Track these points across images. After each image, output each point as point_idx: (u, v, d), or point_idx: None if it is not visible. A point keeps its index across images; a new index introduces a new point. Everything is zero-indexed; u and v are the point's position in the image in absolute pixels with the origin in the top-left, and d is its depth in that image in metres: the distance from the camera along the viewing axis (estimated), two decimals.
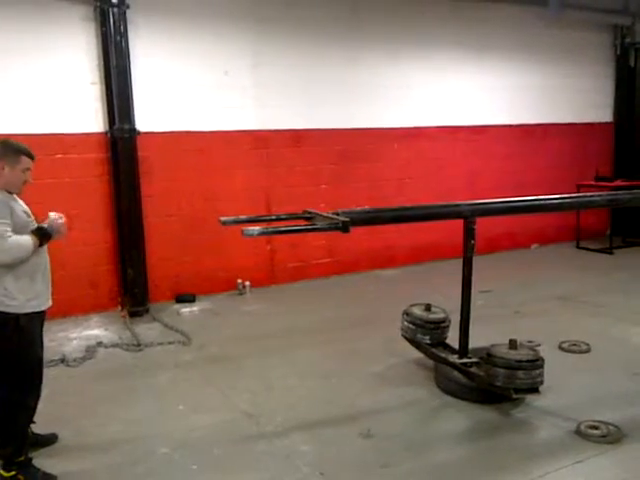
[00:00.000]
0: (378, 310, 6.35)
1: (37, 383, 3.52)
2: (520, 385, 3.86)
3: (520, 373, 3.84)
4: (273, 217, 4.91)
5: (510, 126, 9.24)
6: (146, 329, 6.14)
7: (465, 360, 4.30)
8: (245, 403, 4.37)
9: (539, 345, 4.87)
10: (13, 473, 3.40)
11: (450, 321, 4.66)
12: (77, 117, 6.42)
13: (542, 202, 4.56)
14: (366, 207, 4.45)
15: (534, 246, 9.65)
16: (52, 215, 3.49)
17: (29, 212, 3.54)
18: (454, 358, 4.37)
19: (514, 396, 3.95)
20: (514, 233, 9.34)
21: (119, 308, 6.72)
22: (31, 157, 3.46)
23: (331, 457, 3.68)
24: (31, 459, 3.53)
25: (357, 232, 8.17)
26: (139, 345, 5.64)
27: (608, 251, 9.14)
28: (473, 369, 4.22)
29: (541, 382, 3.92)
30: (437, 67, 8.52)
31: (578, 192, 9.13)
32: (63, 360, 5.26)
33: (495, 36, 8.87)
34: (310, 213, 4.10)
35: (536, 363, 3.89)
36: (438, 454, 3.70)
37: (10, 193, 3.40)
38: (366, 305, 6.73)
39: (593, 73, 9.98)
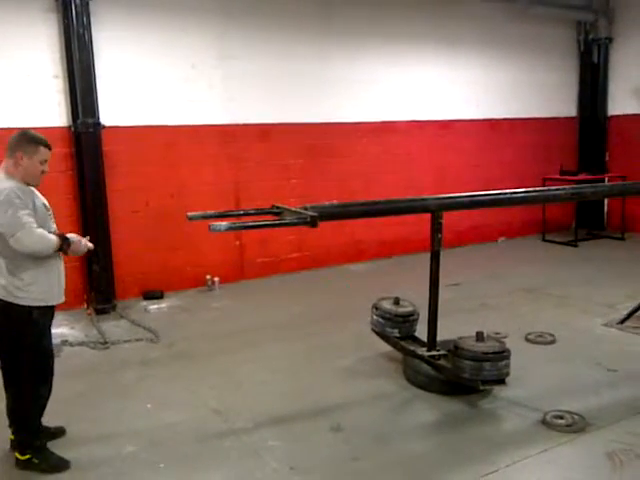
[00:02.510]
0: (348, 304, 6.37)
1: (49, 373, 3.59)
2: (487, 377, 3.91)
3: (486, 365, 3.88)
4: (241, 212, 4.88)
5: (477, 120, 9.34)
6: (113, 327, 6.05)
7: (433, 353, 4.34)
8: (213, 400, 4.33)
9: (506, 337, 4.94)
10: (28, 456, 3.51)
11: (418, 314, 4.70)
12: (39, 111, 6.28)
13: (507, 196, 4.62)
14: (334, 202, 4.45)
15: (501, 239, 9.78)
16: (82, 238, 3.52)
17: (48, 205, 3.55)
18: (422, 351, 4.40)
19: (481, 387, 4.01)
20: (481, 226, 9.45)
21: (85, 306, 6.60)
22: (49, 148, 3.46)
23: (301, 452, 3.67)
24: (45, 443, 3.62)
25: (326, 227, 8.13)
26: (106, 343, 5.55)
27: (573, 244, 9.31)
28: (441, 361, 4.26)
29: (507, 373, 3.97)
30: (406, 62, 8.55)
31: (544, 185, 9.30)
32: None
33: (463, 31, 8.94)
34: (279, 208, 4.08)
35: (502, 355, 3.94)
36: (408, 446, 3.72)
37: (28, 185, 3.40)
38: (336, 299, 6.74)
39: (558, 68, 10.14)
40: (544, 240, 9.67)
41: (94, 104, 6.32)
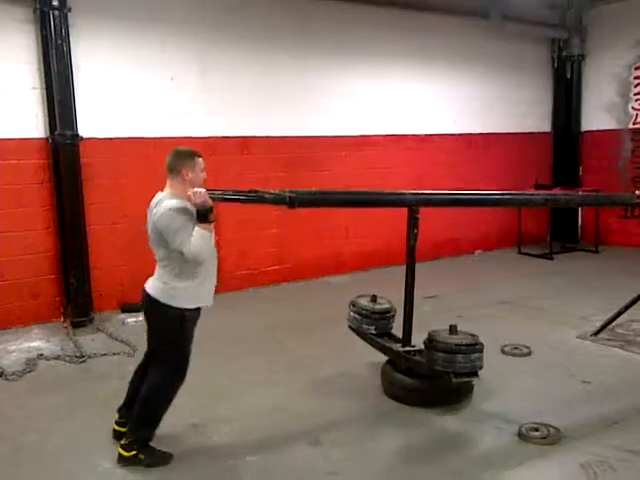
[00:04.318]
0: (327, 316, 6.37)
1: (184, 376, 3.71)
2: (459, 369, 3.90)
3: (459, 357, 3.88)
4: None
5: (454, 135, 9.47)
6: (90, 340, 5.99)
7: (408, 348, 4.35)
8: (191, 414, 4.30)
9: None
10: (134, 452, 3.62)
11: (395, 311, 4.72)
12: (16, 122, 6.24)
13: (483, 197, 4.72)
14: (314, 188, 4.46)
15: (477, 252, 9.89)
16: (189, 193, 3.42)
17: None
18: (397, 347, 4.41)
19: (454, 380, 3.96)
20: (458, 239, 9.56)
21: (61, 319, 6.53)
22: (201, 156, 3.70)
23: (278, 466, 3.66)
24: (150, 439, 3.71)
25: (306, 239, 8.25)
26: (82, 357, 5.49)
27: (548, 256, 9.45)
28: (416, 357, 4.27)
29: (480, 366, 3.96)
30: (384, 77, 8.65)
31: None
32: (1, 374, 5.08)
33: (439, 47, 9.08)
34: (257, 191, 4.02)
35: (475, 347, 3.93)
36: (385, 460, 3.73)
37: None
38: (315, 311, 6.75)
39: (532, 84, 10.35)
40: (520, 253, 9.80)
41: (72, 116, 6.29)
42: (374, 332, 4.65)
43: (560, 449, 3.75)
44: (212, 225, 3.47)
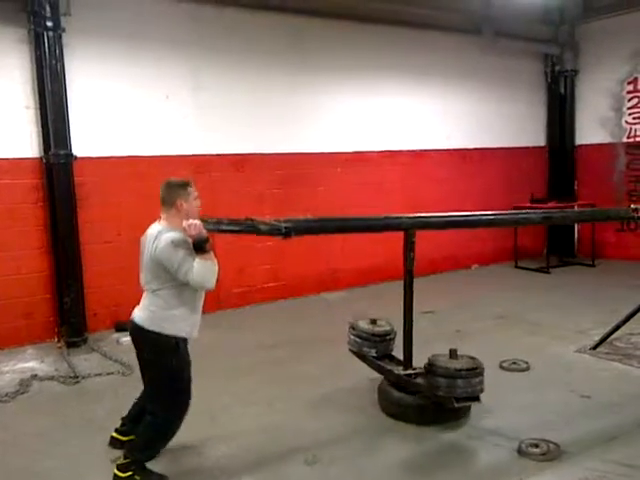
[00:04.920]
0: (324, 333, 6.34)
1: (188, 402, 3.69)
2: (460, 394, 3.88)
3: (460, 382, 3.85)
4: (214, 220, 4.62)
5: (448, 150, 9.49)
6: (84, 360, 5.93)
7: (409, 371, 4.31)
8: (187, 434, 4.22)
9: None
10: (130, 474, 3.57)
11: (395, 333, 4.69)
12: (10, 141, 6.23)
13: (478, 218, 4.72)
14: (309, 216, 4.44)
15: (474, 267, 9.87)
16: (184, 226, 3.43)
17: None
18: (399, 370, 4.38)
19: (455, 405, 3.94)
20: (455, 254, 9.54)
21: (55, 339, 6.47)
22: (192, 184, 3.71)
23: None
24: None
25: (302, 256, 8.22)
26: (76, 377, 5.43)
27: (545, 270, 9.44)
28: (417, 380, 4.23)
29: (481, 390, 3.93)
30: (378, 93, 8.69)
31: None
32: None
33: (433, 63, 9.13)
34: (252, 220, 4.02)
35: (475, 371, 3.91)
36: (383, 477, 3.68)
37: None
38: (312, 328, 6.71)
39: (526, 99, 10.40)
40: (516, 267, 9.79)
41: (66, 135, 6.28)
42: (375, 355, 4.63)
43: (560, 465, 3.71)
44: (211, 254, 3.47)
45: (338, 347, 5.09)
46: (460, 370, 3.88)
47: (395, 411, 4.41)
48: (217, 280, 3.59)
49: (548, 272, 9.39)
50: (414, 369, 4.32)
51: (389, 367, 4.49)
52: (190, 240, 3.44)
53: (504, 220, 5.37)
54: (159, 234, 3.52)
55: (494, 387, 4.60)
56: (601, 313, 6.68)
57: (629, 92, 9.84)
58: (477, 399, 3.95)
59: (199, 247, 3.43)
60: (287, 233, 3.82)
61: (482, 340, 6.10)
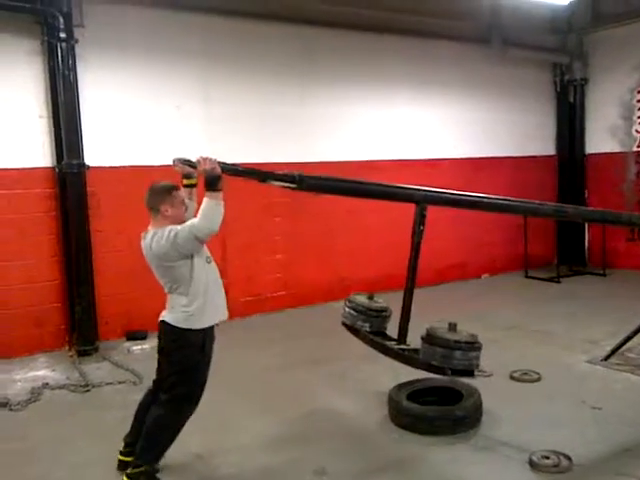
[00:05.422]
0: (332, 344, 6.31)
1: (198, 400, 3.72)
2: (456, 365, 3.75)
3: (457, 353, 3.74)
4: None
5: (458, 159, 9.49)
6: (95, 369, 5.96)
7: (403, 346, 4.25)
8: (196, 444, 4.25)
9: (491, 375, 4.90)
10: None
11: (391, 312, 4.53)
12: (23, 151, 6.30)
13: (489, 200, 4.75)
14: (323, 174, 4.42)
15: (484, 276, 9.84)
16: (198, 158, 3.40)
17: None
18: (392, 344, 4.32)
19: (449, 375, 3.84)
20: (464, 263, 9.52)
21: (67, 347, 6.51)
22: (178, 188, 3.70)
23: None
24: (157, 470, 3.68)
25: (311, 264, 8.23)
26: (87, 386, 5.46)
27: (555, 280, 9.39)
28: (409, 353, 4.14)
29: (477, 365, 3.82)
30: (389, 103, 8.72)
31: (525, 222, 9.45)
32: (6, 404, 5.05)
33: (443, 73, 9.16)
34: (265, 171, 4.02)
35: (474, 345, 3.81)
36: None
37: None
38: (321, 338, 6.68)
39: (536, 108, 10.39)
40: (527, 277, 9.75)
41: (79, 145, 6.34)
42: (368, 329, 4.56)
43: (572, 477, 3.68)
44: (220, 194, 3.42)
45: (347, 358, 5.09)
46: (459, 342, 3.77)
47: (405, 422, 4.39)
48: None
49: (559, 282, 9.35)
50: (408, 345, 4.25)
51: (382, 342, 4.41)
52: None
53: (516, 207, 5.33)
54: (154, 235, 3.55)
55: (505, 398, 4.60)
56: (612, 323, 6.64)
57: (639, 101, 9.81)
58: (471, 373, 3.83)
59: (211, 183, 3.36)
60: (300, 182, 3.77)
61: (493, 350, 6.00)
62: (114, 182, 6.72)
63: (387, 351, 4.30)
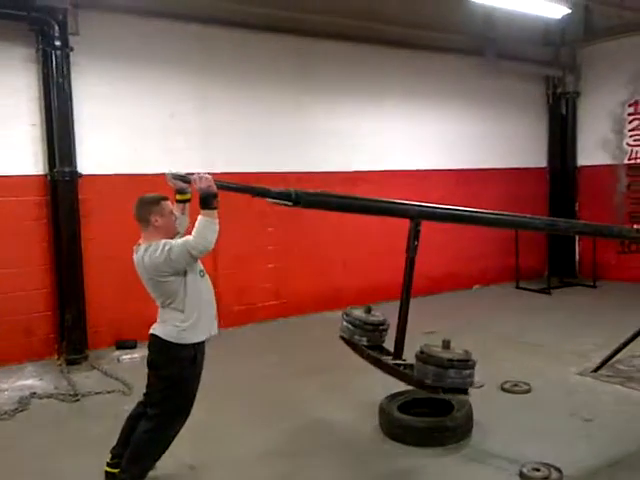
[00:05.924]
0: (323, 354, 6.31)
1: (187, 416, 3.70)
2: (450, 384, 3.75)
3: (451, 372, 3.73)
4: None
5: (450, 171, 9.52)
6: (84, 378, 5.91)
7: (398, 361, 4.25)
8: (187, 455, 4.22)
9: (481, 386, 4.90)
10: None
11: (389, 325, 4.54)
12: (15, 159, 6.28)
13: (482, 215, 4.76)
14: (318, 190, 4.43)
15: (475, 287, 9.86)
16: (194, 177, 3.39)
17: None
18: (388, 359, 4.32)
19: (442, 395, 3.85)
20: (456, 274, 9.54)
21: (56, 356, 6.45)
22: (167, 198, 3.68)
23: None
24: None
25: (304, 274, 8.23)
26: (76, 395, 5.41)
27: (546, 291, 9.43)
28: (405, 370, 4.13)
29: (471, 383, 3.82)
30: (380, 114, 8.75)
31: (516, 234, 9.48)
32: None
33: (435, 84, 9.21)
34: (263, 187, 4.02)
35: (467, 363, 3.81)
36: None
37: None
38: (313, 349, 6.68)
39: (528, 121, 10.47)
40: (518, 288, 9.78)
41: (71, 153, 6.32)
42: (366, 344, 4.56)
43: None
44: (215, 212, 3.41)
45: (339, 367, 5.08)
46: (452, 360, 3.77)
47: (396, 433, 4.38)
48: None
49: (549, 293, 9.38)
50: (404, 360, 4.25)
51: (378, 356, 4.40)
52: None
53: (508, 221, 5.36)
54: (146, 249, 3.53)
55: (495, 409, 4.60)
56: (602, 335, 6.66)
57: (630, 114, 9.90)
58: (465, 392, 3.86)
59: (206, 202, 3.34)
60: (297, 199, 3.76)
61: (483, 361, 5.96)
62: (106, 190, 6.71)
63: (383, 366, 4.30)
